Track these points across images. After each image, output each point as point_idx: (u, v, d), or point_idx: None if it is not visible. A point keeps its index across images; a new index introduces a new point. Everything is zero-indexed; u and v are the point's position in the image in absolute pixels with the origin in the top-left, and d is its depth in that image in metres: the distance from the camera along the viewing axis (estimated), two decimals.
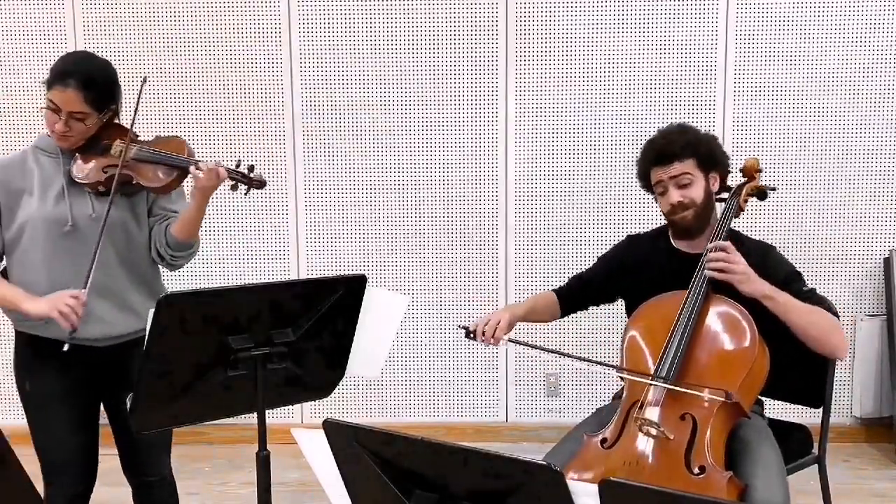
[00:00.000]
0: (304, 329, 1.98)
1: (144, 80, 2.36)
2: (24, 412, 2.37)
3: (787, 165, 3.88)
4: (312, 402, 3.65)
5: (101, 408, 2.47)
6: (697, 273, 2.21)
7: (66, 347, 2.17)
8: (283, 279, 3.93)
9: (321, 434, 1.41)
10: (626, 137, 3.87)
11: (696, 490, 1.88)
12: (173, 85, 3.90)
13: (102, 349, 2.33)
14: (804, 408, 2.51)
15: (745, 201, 2.40)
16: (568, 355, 2.24)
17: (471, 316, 4.00)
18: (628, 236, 2.56)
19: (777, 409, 2.64)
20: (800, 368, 2.41)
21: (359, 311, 2.08)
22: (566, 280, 2.60)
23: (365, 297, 2.07)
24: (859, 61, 3.81)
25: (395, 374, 4.06)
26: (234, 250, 3.99)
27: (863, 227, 3.91)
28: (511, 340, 2.28)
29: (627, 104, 3.88)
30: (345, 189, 3.96)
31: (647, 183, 2.41)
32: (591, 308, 2.58)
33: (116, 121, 2.39)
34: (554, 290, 2.56)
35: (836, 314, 2.35)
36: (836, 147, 3.87)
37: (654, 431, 2.02)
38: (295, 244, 4.02)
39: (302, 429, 1.45)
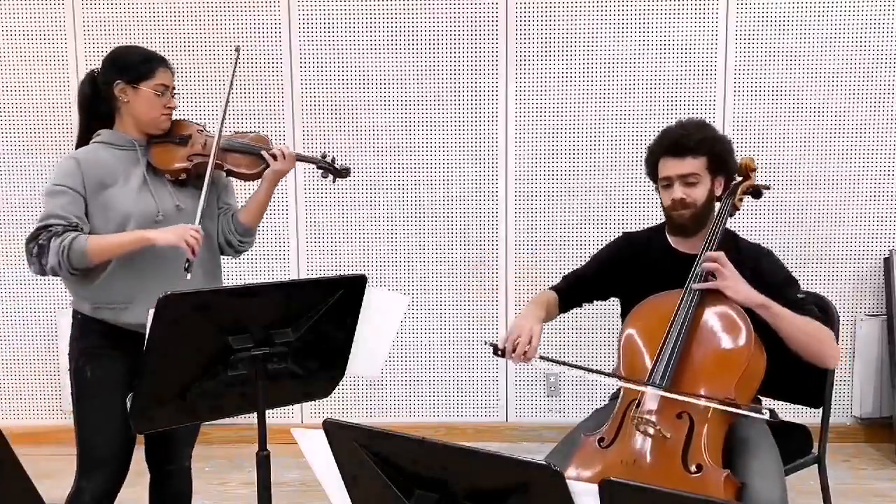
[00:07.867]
0: (304, 329, 1.98)
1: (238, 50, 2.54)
2: (74, 403, 2.33)
3: (786, 165, 3.88)
4: (312, 402, 3.65)
5: None
6: (693, 273, 2.21)
7: (188, 276, 2.25)
8: (283, 279, 3.93)
9: (321, 434, 1.41)
10: (626, 138, 3.87)
11: (693, 488, 1.88)
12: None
13: None
14: (804, 408, 2.51)
15: (741, 200, 2.40)
16: (600, 373, 2.18)
17: (470, 316, 4.01)
18: (624, 233, 2.54)
19: (777, 409, 2.63)
20: (800, 368, 2.41)
21: (359, 311, 2.08)
22: (562, 278, 2.57)
23: (365, 297, 2.07)
24: (859, 61, 3.81)
25: (395, 374, 4.06)
26: None
27: (863, 227, 3.91)
28: (542, 358, 2.18)
29: (627, 104, 3.88)
30: (345, 189, 3.95)
31: (653, 171, 2.38)
32: (584, 306, 2.55)
33: None
34: (552, 289, 2.53)
35: (831, 320, 2.37)
36: (836, 147, 3.87)
37: (651, 430, 2.02)
38: (295, 244, 4.02)
39: (302, 429, 1.45)
